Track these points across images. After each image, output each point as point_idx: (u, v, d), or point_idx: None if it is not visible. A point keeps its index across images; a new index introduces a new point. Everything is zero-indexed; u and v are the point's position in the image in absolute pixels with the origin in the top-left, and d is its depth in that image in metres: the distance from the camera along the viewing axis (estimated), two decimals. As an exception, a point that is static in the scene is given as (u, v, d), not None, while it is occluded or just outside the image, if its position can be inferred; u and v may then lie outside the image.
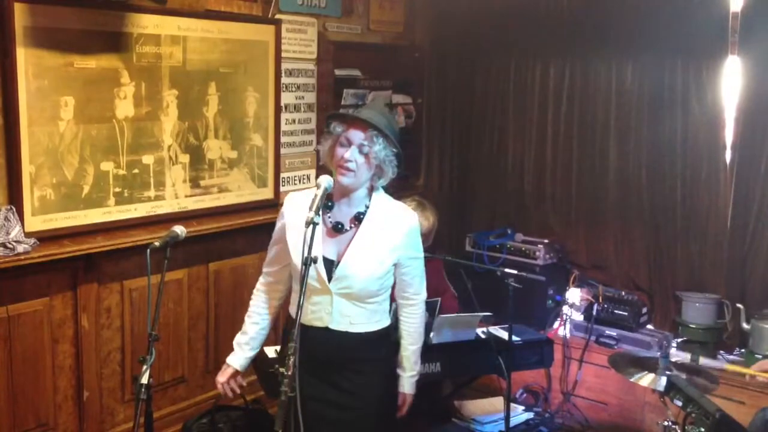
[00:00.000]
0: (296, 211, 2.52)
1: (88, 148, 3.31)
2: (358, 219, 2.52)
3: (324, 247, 2.49)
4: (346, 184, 2.46)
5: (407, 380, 2.72)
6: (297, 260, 2.44)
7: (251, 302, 2.76)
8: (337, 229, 2.51)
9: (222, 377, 2.76)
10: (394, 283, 2.65)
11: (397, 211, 2.58)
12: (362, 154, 2.43)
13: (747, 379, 3.63)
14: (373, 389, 2.56)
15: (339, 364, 2.52)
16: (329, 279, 2.47)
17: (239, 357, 2.75)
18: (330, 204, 2.53)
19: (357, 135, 2.43)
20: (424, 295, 2.74)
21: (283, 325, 2.74)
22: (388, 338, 2.65)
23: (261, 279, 2.76)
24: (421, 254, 2.67)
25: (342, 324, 2.50)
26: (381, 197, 2.58)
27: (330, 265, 2.48)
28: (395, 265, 2.57)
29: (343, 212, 2.54)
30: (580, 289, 4.61)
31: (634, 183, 4.59)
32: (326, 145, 2.53)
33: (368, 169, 2.46)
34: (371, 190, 2.56)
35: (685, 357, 3.91)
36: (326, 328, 2.50)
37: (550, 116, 4.88)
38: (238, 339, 2.76)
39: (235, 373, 2.75)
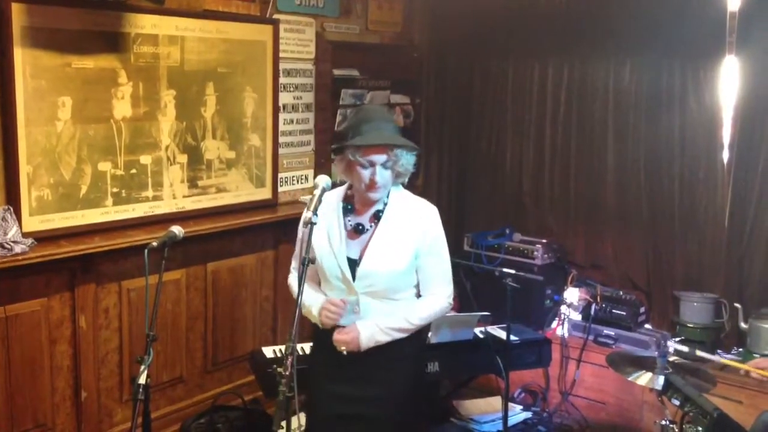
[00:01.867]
0: (323, 208, 2.49)
1: (86, 149, 3.31)
2: (377, 217, 2.55)
3: (348, 248, 2.52)
4: (376, 199, 2.52)
5: (371, 327, 2.49)
6: (324, 258, 2.50)
7: (292, 282, 2.71)
8: (357, 230, 2.54)
9: (334, 306, 2.50)
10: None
11: (415, 206, 2.59)
12: (387, 170, 2.46)
13: (742, 373, 3.62)
14: (399, 388, 2.55)
15: (367, 363, 2.51)
16: (353, 278, 2.48)
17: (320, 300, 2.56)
18: (350, 207, 2.56)
19: (379, 158, 2.44)
20: (446, 294, 2.64)
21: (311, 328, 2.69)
22: (416, 337, 2.63)
23: (291, 272, 2.75)
24: (444, 251, 2.61)
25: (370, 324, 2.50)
26: (399, 193, 2.61)
27: (353, 265, 2.50)
28: (416, 259, 2.55)
29: (363, 214, 2.57)
30: (579, 289, 4.60)
31: (632, 183, 4.59)
32: (341, 165, 2.53)
33: (392, 177, 2.50)
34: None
35: (682, 348, 3.90)
36: None
37: (549, 116, 4.88)
38: (308, 303, 2.55)
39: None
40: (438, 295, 2.62)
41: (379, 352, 2.50)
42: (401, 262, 2.51)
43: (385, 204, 2.56)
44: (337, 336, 2.49)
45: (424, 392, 2.73)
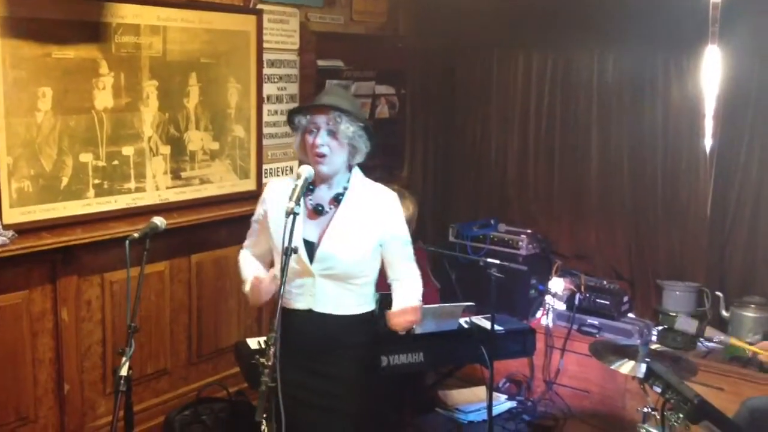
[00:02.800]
0: (278, 197, 2.54)
1: (67, 140, 3.28)
2: (337, 200, 2.55)
3: (305, 229, 2.51)
4: (325, 172, 2.50)
5: (411, 296, 2.64)
6: (279, 246, 2.44)
7: (242, 259, 2.75)
8: (317, 210, 2.54)
9: (264, 280, 2.51)
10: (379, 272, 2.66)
11: (376, 192, 2.61)
12: (330, 135, 2.47)
13: (750, 355, 3.60)
14: (354, 377, 2.56)
15: (321, 349, 2.52)
16: (311, 260, 2.48)
17: (253, 270, 2.62)
18: (312, 187, 2.55)
19: (320, 119, 2.47)
20: (414, 276, 2.71)
21: (269, 316, 2.72)
22: (370, 325, 2.66)
23: (243, 250, 2.77)
24: (406, 235, 2.67)
25: (326, 306, 2.52)
26: (360, 178, 2.62)
27: (311, 247, 2.50)
28: (381, 246, 2.59)
29: (323, 194, 2.56)
30: (563, 279, 4.63)
31: (615, 173, 4.62)
32: (297, 140, 2.58)
33: (341, 150, 2.49)
34: (350, 169, 2.59)
35: (693, 324, 3.91)
36: (309, 311, 2.51)
37: (533, 107, 4.90)
38: (246, 273, 2.64)
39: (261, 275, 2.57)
40: (414, 277, 2.70)
41: (333, 341, 2.52)
42: (362, 248, 2.53)
43: (345, 188, 2.57)
44: (403, 319, 2.54)
45: (377, 380, 2.75)
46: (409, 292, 2.65)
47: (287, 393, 2.39)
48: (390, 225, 2.59)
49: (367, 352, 2.67)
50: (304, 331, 2.49)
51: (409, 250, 2.69)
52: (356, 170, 2.62)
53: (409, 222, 3.80)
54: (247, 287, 2.59)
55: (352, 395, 2.56)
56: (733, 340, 3.47)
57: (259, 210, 2.66)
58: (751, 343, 3.91)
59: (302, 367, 2.51)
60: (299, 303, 2.51)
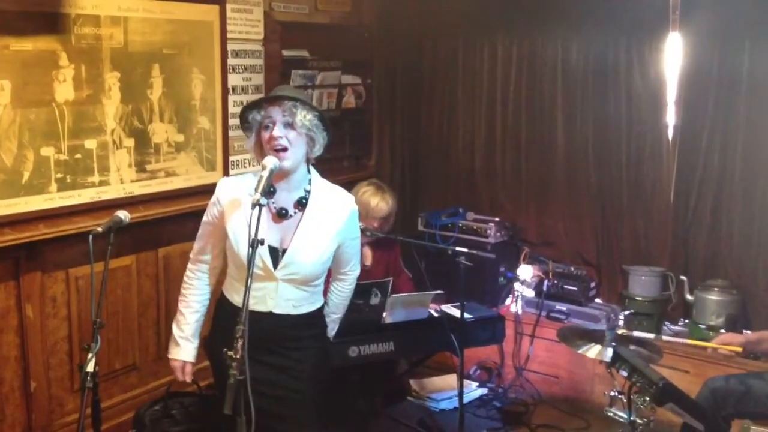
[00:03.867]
0: (234, 195, 2.51)
1: (27, 133, 3.21)
2: (301, 204, 2.53)
3: (269, 233, 2.47)
4: (288, 167, 2.46)
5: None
6: (241, 246, 2.44)
7: (187, 291, 2.67)
8: (281, 214, 2.51)
9: (185, 376, 2.69)
10: None
11: (338, 197, 2.61)
12: (288, 127, 2.43)
13: (709, 352, 3.59)
14: (311, 362, 2.58)
15: (278, 344, 2.53)
16: (275, 266, 2.47)
17: (190, 350, 2.67)
18: (272, 189, 2.50)
19: (275, 111, 2.44)
20: (358, 271, 2.84)
21: (214, 308, 2.70)
22: (320, 317, 2.70)
23: (193, 266, 2.67)
24: (359, 234, 2.75)
25: (285, 308, 2.52)
26: (320, 182, 2.61)
27: (275, 252, 2.48)
28: (338, 247, 2.63)
29: (284, 197, 2.53)
30: (531, 266, 4.68)
31: (581, 160, 4.66)
32: (252, 140, 2.53)
33: (300, 141, 2.46)
34: (308, 165, 2.58)
35: (648, 336, 3.93)
36: (269, 313, 2.51)
37: (499, 95, 4.92)
38: (182, 332, 2.66)
39: (191, 365, 2.70)
40: (351, 278, 2.82)
41: (289, 338, 2.53)
42: (325, 253, 2.55)
43: (307, 191, 2.55)
44: None
45: (330, 371, 2.79)
46: (342, 302, 2.86)
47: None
48: (348, 228, 2.62)
49: (321, 339, 2.70)
50: (263, 331, 2.46)
51: (357, 246, 2.76)
52: (314, 171, 2.62)
53: (389, 215, 3.82)
54: (176, 353, 2.67)
55: (311, 380, 2.58)
56: (692, 341, 3.49)
57: (212, 211, 2.58)
58: (714, 327, 3.98)
59: (261, 362, 2.47)
60: (259, 306, 2.48)
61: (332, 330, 2.86)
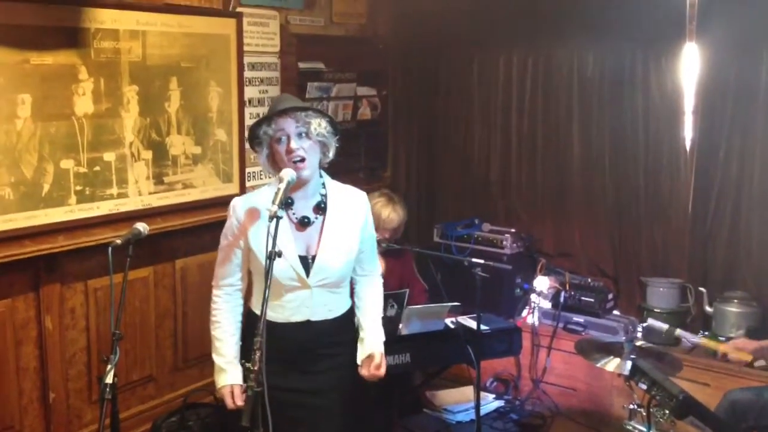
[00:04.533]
0: (252, 212, 2.51)
1: (47, 146, 3.25)
2: (320, 208, 2.54)
3: (295, 243, 2.49)
4: (305, 176, 2.46)
5: (377, 341, 2.64)
6: (264, 262, 2.39)
7: (219, 317, 2.60)
8: (304, 223, 2.52)
9: (236, 400, 2.48)
10: None
11: (352, 195, 2.64)
12: (303, 138, 2.44)
13: (719, 357, 3.53)
14: (344, 376, 2.58)
15: (316, 352, 2.52)
16: (307, 274, 2.47)
17: (236, 373, 2.53)
18: (290, 200, 2.51)
19: (287, 123, 2.43)
20: (379, 268, 2.80)
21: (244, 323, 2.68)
22: (352, 316, 2.69)
23: (219, 292, 2.61)
24: (374, 231, 2.76)
25: (322, 314, 2.53)
26: (333, 184, 2.63)
27: (305, 261, 2.49)
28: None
29: (302, 205, 2.54)
30: (548, 277, 4.65)
31: (597, 170, 4.64)
32: (263, 154, 2.51)
33: (315, 150, 2.48)
34: (321, 172, 2.59)
35: (662, 326, 3.90)
36: (307, 322, 2.51)
37: (515, 106, 4.91)
38: (224, 358, 2.55)
39: (239, 387, 2.52)
40: (376, 274, 2.76)
41: (326, 343, 2.53)
42: (352, 252, 2.57)
43: (323, 195, 2.56)
44: (374, 373, 2.56)
45: (373, 384, 2.73)
46: (376, 331, 2.65)
47: (284, 399, 2.40)
48: (366, 223, 2.64)
49: (354, 348, 2.66)
50: (302, 341, 2.49)
51: (374, 244, 2.75)
52: (324, 174, 2.63)
53: (399, 226, 3.83)
54: (220, 377, 2.53)
55: (347, 393, 2.58)
56: (704, 341, 3.44)
57: (231, 233, 2.55)
58: (734, 339, 3.93)
59: (298, 371, 2.50)
60: (295, 316, 2.49)
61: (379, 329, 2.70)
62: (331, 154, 2.55)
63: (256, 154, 2.56)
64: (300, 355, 2.49)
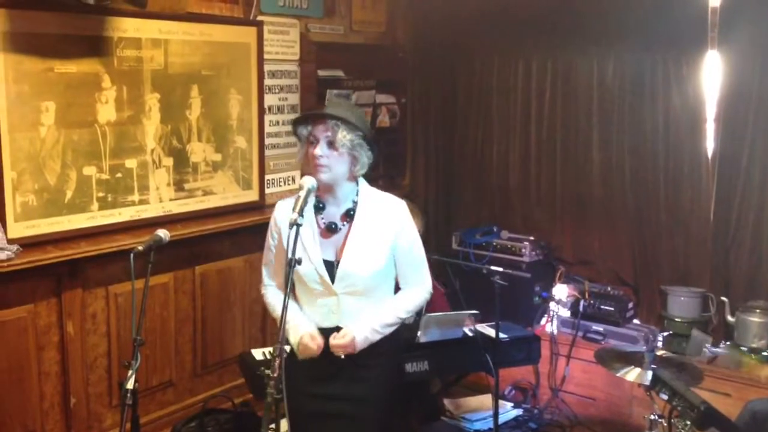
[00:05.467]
0: (287, 216, 2.50)
1: (70, 153, 3.29)
2: (349, 215, 2.54)
3: (322, 249, 2.51)
4: (325, 180, 2.48)
5: (365, 328, 2.50)
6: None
7: (272, 300, 2.66)
8: (330, 229, 2.53)
9: (315, 341, 2.46)
10: None
11: (385, 202, 2.59)
12: (330, 147, 2.45)
13: (765, 381, 3.49)
14: (379, 385, 2.56)
15: (347, 361, 2.51)
16: (332, 280, 2.48)
17: (306, 324, 2.51)
18: (321, 205, 2.54)
19: (319, 129, 2.46)
20: (426, 285, 2.68)
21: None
22: (393, 333, 2.63)
23: (265, 291, 2.70)
24: (418, 243, 2.65)
25: (352, 320, 2.51)
26: (367, 190, 2.60)
27: (330, 267, 2.50)
28: (393, 254, 2.58)
29: (333, 211, 2.55)
30: (567, 285, 4.63)
31: (617, 178, 4.62)
32: (301, 152, 2.56)
33: (341, 160, 2.47)
34: (354, 181, 2.57)
35: (706, 338, 3.85)
36: (336, 327, 2.52)
37: (534, 113, 4.90)
38: (293, 321, 2.51)
39: (310, 333, 2.50)
40: (419, 287, 2.66)
41: (359, 353, 2.51)
42: (379, 261, 2.53)
43: (355, 202, 2.56)
44: (334, 342, 2.46)
45: (402, 388, 2.73)
46: (378, 315, 2.53)
47: (315, 405, 2.42)
48: (400, 233, 2.57)
49: (393, 359, 2.65)
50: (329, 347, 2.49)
51: (417, 257, 2.64)
52: (362, 182, 2.61)
53: None
54: (292, 338, 2.49)
55: (380, 402, 2.56)
56: (746, 359, 3.30)
57: (273, 234, 2.62)
58: (756, 349, 3.90)
59: (329, 378, 2.51)
60: (324, 322, 2.52)
61: (383, 325, 2.55)
62: (360, 167, 2.53)
63: (299, 148, 2.58)
64: (329, 361, 2.49)
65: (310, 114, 2.54)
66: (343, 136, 2.44)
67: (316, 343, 2.46)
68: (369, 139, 2.51)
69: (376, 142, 2.56)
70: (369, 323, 2.51)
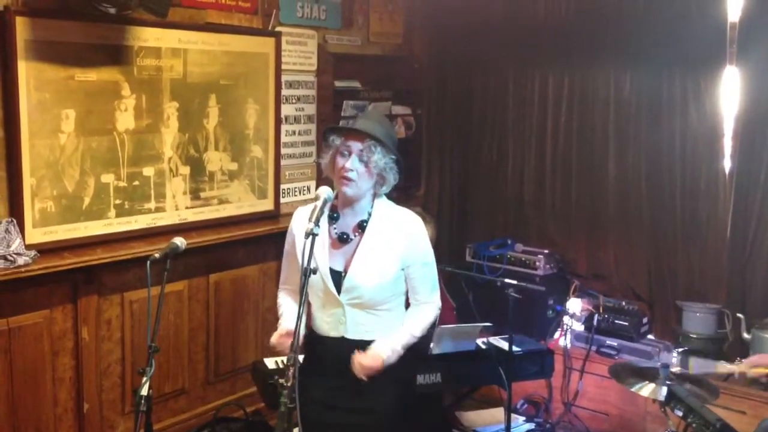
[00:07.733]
0: (304, 224, 2.49)
1: (89, 161, 3.32)
2: (361, 227, 2.54)
3: (331, 259, 2.51)
4: (349, 194, 2.48)
5: (388, 349, 2.47)
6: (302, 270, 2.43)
7: (283, 301, 2.69)
8: (342, 239, 2.53)
9: (277, 336, 2.52)
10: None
11: (400, 217, 2.58)
12: (362, 162, 2.45)
13: (737, 377, 3.47)
14: (390, 398, 2.54)
15: (354, 374, 2.49)
16: (338, 291, 2.48)
17: (291, 322, 2.46)
18: (336, 215, 2.55)
19: (356, 145, 2.46)
20: (436, 302, 2.67)
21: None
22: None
23: (281, 293, 2.73)
24: (431, 259, 2.64)
25: (357, 333, 2.51)
26: (384, 204, 2.59)
27: (338, 277, 2.49)
28: (404, 270, 2.56)
29: (347, 222, 2.55)
30: (581, 299, 4.60)
31: (633, 192, 4.60)
32: (327, 157, 2.55)
33: (369, 177, 2.48)
34: (374, 197, 2.57)
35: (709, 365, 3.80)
36: (342, 338, 2.52)
37: (550, 126, 4.89)
38: (285, 316, 2.61)
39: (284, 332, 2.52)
40: (430, 304, 2.64)
41: None
42: (387, 275, 2.51)
43: (370, 214, 2.55)
44: (363, 362, 2.42)
45: (414, 400, 2.71)
46: (397, 335, 2.51)
47: (323, 415, 2.42)
48: (411, 249, 2.55)
49: (404, 373, 2.63)
50: (338, 357, 2.47)
51: (429, 273, 2.62)
52: (382, 197, 2.60)
53: None
54: (273, 339, 2.54)
55: (391, 415, 2.55)
56: (719, 367, 3.28)
57: (288, 241, 2.64)
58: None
59: (337, 389, 2.50)
60: (332, 331, 2.52)
61: (400, 345, 2.53)
62: (386, 188, 2.54)
63: (324, 151, 2.57)
64: (337, 371, 2.48)
65: (351, 129, 2.50)
66: (379, 158, 2.45)
67: (279, 338, 2.47)
68: (401, 163, 2.52)
69: (403, 166, 2.55)
70: (391, 344, 2.48)
